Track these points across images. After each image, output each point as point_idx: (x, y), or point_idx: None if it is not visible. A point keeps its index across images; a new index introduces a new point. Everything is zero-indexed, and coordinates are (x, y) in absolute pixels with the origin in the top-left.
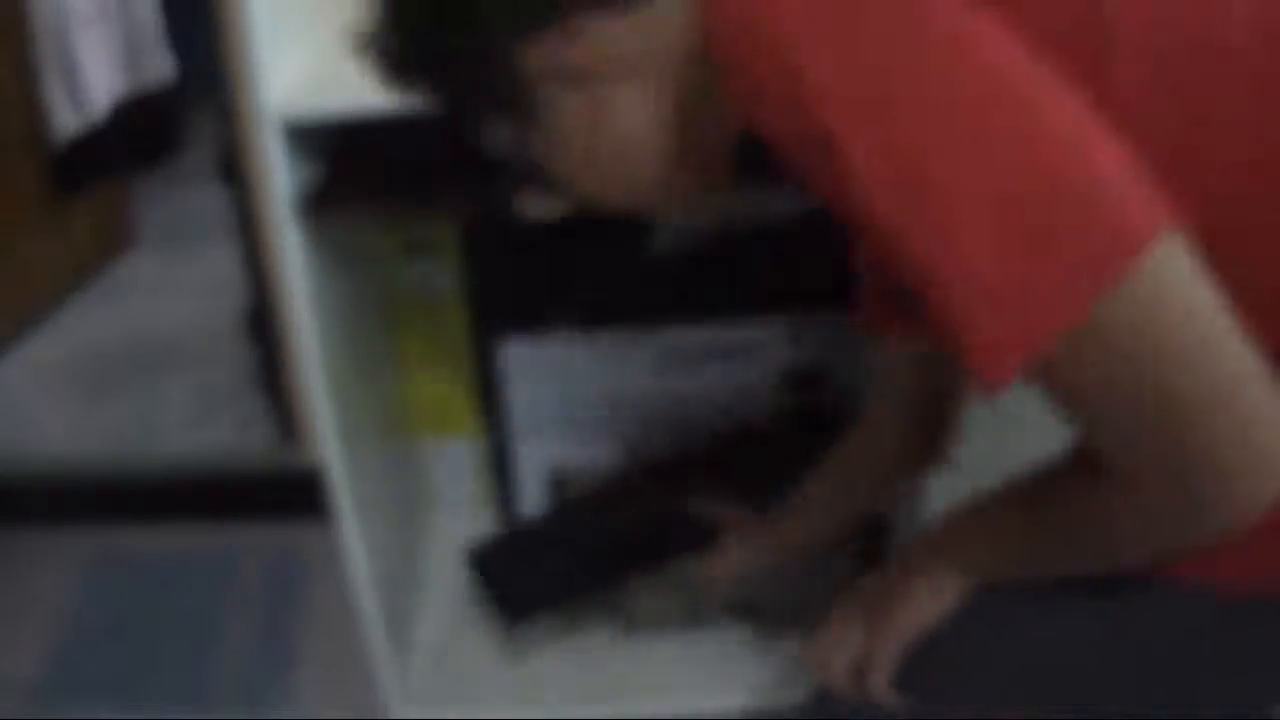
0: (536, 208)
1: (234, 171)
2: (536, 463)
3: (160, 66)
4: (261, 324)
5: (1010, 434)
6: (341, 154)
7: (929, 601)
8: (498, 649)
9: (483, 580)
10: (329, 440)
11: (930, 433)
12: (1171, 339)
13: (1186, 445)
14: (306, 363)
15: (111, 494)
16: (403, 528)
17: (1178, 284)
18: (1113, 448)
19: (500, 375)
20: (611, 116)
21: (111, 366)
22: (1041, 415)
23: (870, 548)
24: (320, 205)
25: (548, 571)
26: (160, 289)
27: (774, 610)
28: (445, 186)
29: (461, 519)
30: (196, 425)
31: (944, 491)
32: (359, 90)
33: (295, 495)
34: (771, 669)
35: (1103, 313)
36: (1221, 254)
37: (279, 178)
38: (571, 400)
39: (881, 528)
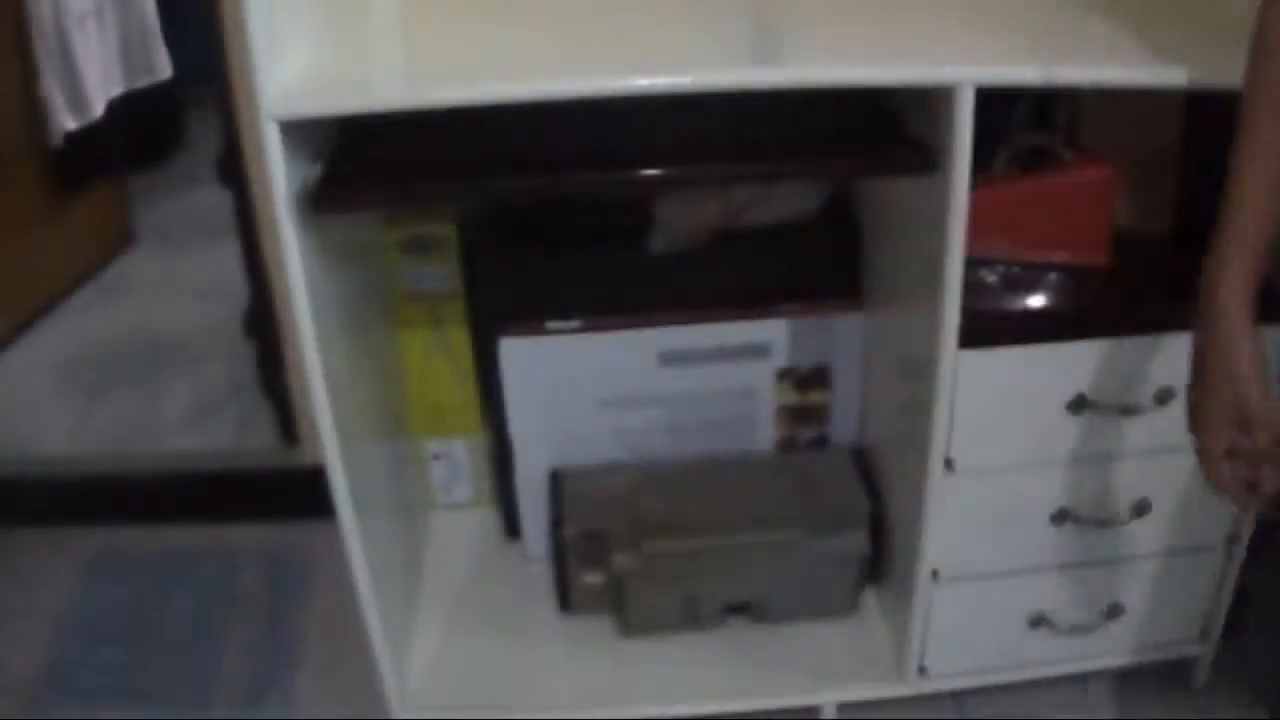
0: None
1: (233, 171)
2: (536, 463)
3: (159, 65)
4: (261, 323)
5: None
6: (340, 152)
7: (1231, 328)
8: (498, 649)
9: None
10: (329, 440)
11: None
12: None
13: None
14: (307, 362)
15: (111, 494)
16: (403, 528)
17: None
18: None
19: (500, 374)
20: None
21: (111, 365)
22: None
23: None
24: (319, 204)
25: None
26: (160, 289)
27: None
28: (444, 184)
29: (461, 519)
30: (197, 424)
31: None
32: (359, 90)
33: (295, 495)
34: (771, 669)
35: None
36: None
37: (278, 176)
38: (571, 399)
39: None
